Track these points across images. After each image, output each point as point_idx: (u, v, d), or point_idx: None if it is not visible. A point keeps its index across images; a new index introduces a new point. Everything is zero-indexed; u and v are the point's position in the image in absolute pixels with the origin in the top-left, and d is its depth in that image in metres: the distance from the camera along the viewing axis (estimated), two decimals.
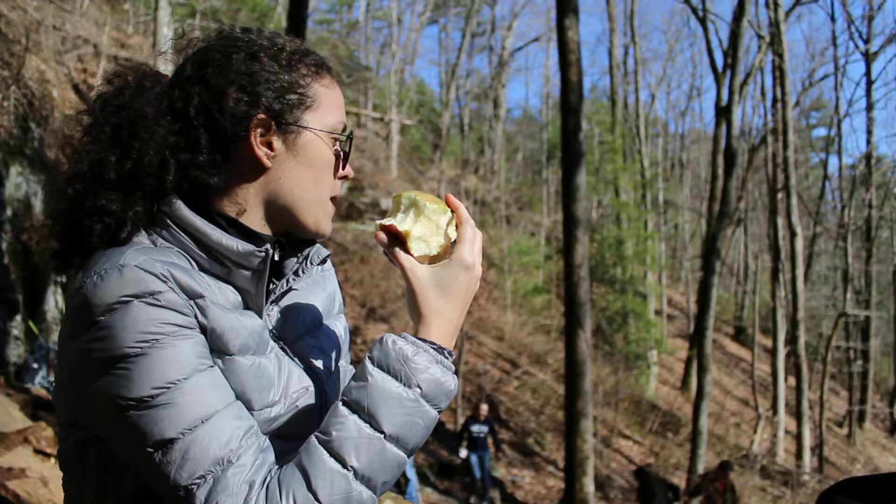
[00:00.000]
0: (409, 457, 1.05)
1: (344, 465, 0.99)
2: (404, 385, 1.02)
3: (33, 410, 6.70)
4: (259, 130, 1.12)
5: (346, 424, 1.00)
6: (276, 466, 1.01)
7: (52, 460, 5.11)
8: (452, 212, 1.15)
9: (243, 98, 1.11)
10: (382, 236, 1.12)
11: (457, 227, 1.15)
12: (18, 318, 8.57)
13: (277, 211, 1.16)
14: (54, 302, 9.21)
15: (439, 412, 1.06)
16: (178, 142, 1.11)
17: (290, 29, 8.71)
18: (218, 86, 1.11)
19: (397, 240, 1.12)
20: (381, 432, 1.00)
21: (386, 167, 26.70)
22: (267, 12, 23.85)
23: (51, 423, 5.66)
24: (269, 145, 1.13)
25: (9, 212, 8.77)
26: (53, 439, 5.23)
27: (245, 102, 1.11)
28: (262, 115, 1.12)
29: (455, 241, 1.14)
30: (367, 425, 1.00)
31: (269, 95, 1.12)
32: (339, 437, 0.99)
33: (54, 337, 8.73)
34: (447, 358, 1.07)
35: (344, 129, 1.19)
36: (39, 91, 10.19)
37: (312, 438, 1.01)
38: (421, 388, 1.02)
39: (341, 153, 1.19)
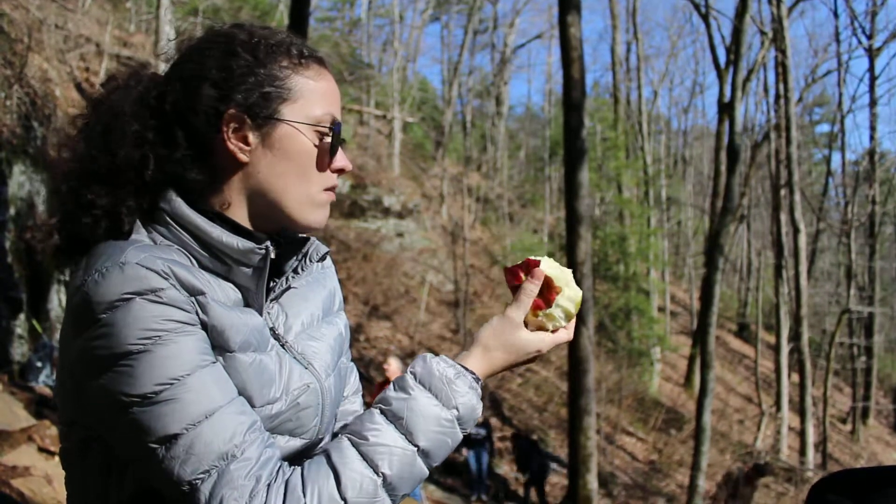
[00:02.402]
0: (429, 473, 1.08)
1: (376, 470, 1.01)
2: (444, 405, 1.06)
3: (37, 409, 6.72)
4: (232, 126, 1.12)
5: (384, 432, 1.03)
6: (284, 462, 1.02)
7: (56, 458, 5.11)
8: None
9: (215, 94, 1.11)
10: (542, 275, 1.15)
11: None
12: (22, 316, 8.59)
13: (262, 206, 1.16)
14: (57, 300, 9.22)
15: (464, 435, 1.10)
16: (156, 138, 1.12)
17: (292, 27, 8.70)
18: (192, 82, 1.12)
19: (544, 286, 1.15)
20: (416, 446, 1.04)
21: (388, 165, 26.69)
22: (269, 10, 23.86)
23: (55, 422, 5.68)
24: (245, 140, 1.13)
25: (12, 211, 8.79)
26: (57, 437, 5.25)
27: (217, 98, 1.11)
28: (233, 110, 1.11)
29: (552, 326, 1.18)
30: (403, 437, 1.03)
31: (242, 90, 1.11)
32: (375, 443, 1.02)
33: (58, 335, 8.74)
34: (479, 387, 1.12)
35: (333, 122, 1.17)
36: (42, 90, 10.20)
37: (345, 439, 1.03)
38: (458, 411, 1.07)
39: (328, 145, 1.17)
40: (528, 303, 1.14)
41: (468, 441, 12.18)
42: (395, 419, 1.04)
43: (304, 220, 1.17)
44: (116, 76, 1.20)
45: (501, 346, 1.13)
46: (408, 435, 1.03)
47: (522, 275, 1.17)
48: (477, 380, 1.11)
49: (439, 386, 1.06)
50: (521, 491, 13.30)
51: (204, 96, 1.11)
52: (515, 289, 1.17)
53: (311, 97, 1.15)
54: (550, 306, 1.15)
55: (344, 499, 0.98)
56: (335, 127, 1.17)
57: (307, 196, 1.16)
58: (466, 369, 1.10)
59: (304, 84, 1.15)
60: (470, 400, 1.07)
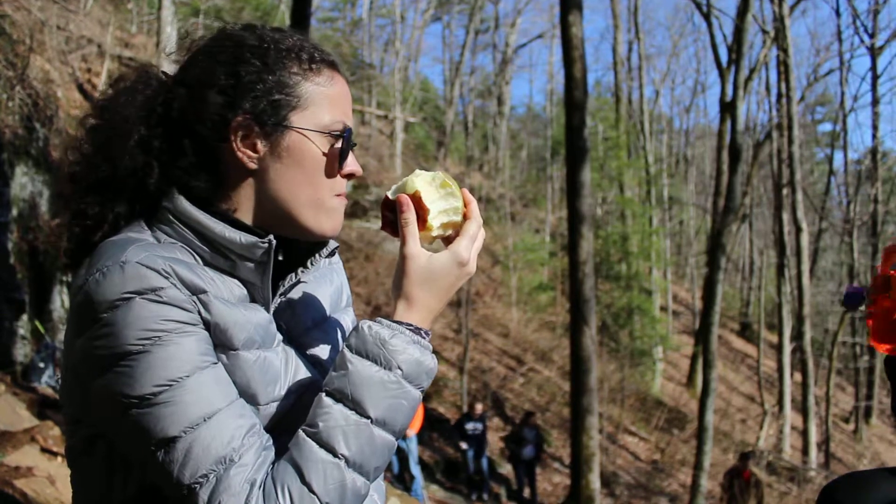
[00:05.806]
0: (397, 439, 1.05)
1: (335, 454, 0.99)
2: (385, 368, 1.02)
3: (40, 409, 6.72)
4: (240, 133, 1.10)
5: (332, 414, 1.00)
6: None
7: (60, 459, 5.12)
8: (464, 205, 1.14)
9: (223, 101, 1.10)
10: (407, 201, 1.09)
11: (463, 219, 1.14)
12: (25, 317, 8.60)
13: (272, 212, 1.14)
14: (60, 301, 9.23)
15: (422, 392, 1.06)
16: (162, 145, 1.11)
17: (294, 27, 8.70)
18: (200, 89, 1.11)
19: (417, 210, 1.10)
20: (368, 417, 1.01)
21: (390, 164, 26.70)
22: (270, 11, 23.87)
23: (58, 422, 5.68)
24: (254, 147, 1.11)
25: (14, 212, 8.79)
26: (60, 438, 5.25)
27: (224, 106, 1.10)
28: (241, 118, 1.10)
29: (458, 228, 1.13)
30: (353, 412, 1.01)
31: (251, 97, 1.10)
32: (326, 428, 1.00)
33: (60, 336, 8.76)
34: (424, 338, 1.08)
35: (343, 128, 1.15)
36: (44, 91, 10.21)
37: (300, 432, 1.01)
38: (402, 370, 1.03)
39: (338, 151, 1.15)
40: (414, 231, 1.09)
41: (466, 437, 12.26)
42: (341, 397, 1.01)
43: (317, 228, 1.16)
44: (123, 78, 1.19)
45: (419, 285, 1.08)
46: (357, 409, 1.00)
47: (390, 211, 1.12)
48: (417, 331, 1.06)
49: (375, 350, 1.02)
50: (524, 491, 13.22)
51: (211, 104, 1.09)
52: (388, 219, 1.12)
53: (321, 104, 1.14)
54: (426, 226, 1.09)
55: (313, 491, 0.97)
56: (345, 133, 1.15)
57: (317, 202, 1.14)
58: (401, 323, 1.06)
59: (314, 91, 1.13)
60: (412, 355, 1.03)
